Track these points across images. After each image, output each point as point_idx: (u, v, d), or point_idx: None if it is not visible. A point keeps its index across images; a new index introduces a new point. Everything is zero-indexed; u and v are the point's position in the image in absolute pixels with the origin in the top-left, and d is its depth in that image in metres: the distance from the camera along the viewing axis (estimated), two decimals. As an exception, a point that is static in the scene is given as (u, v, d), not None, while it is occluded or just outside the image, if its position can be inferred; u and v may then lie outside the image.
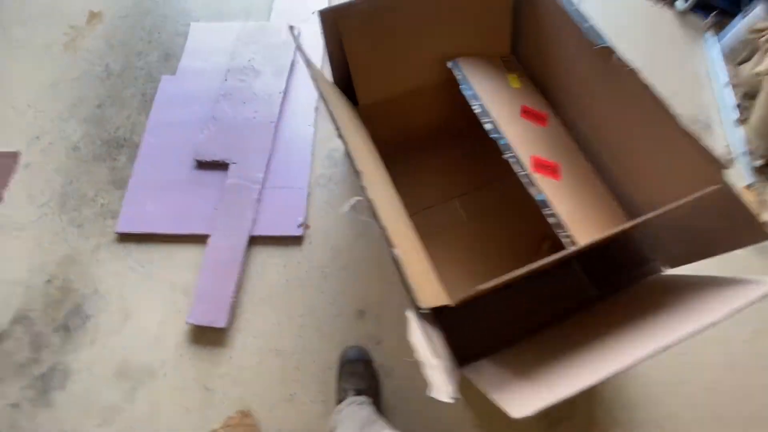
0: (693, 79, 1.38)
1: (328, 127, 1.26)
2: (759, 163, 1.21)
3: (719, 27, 1.41)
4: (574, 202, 0.79)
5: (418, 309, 0.56)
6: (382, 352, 1.02)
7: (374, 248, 1.12)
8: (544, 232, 1.09)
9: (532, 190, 0.77)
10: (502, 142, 0.81)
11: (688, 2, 1.43)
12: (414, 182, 1.11)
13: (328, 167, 1.23)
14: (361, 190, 0.63)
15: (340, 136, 0.70)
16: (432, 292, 0.64)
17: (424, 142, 1.12)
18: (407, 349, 0.99)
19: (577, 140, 0.87)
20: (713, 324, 0.50)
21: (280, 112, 1.27)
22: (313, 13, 1.43)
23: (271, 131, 1.23)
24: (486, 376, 0.71)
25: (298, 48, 0.78)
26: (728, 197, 0.61)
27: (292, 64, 1.34)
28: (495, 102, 0.87)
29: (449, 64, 0.91)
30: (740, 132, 1.26)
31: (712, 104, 1.33)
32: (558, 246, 0.71)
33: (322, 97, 0.73)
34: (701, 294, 0.63)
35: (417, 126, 1.09)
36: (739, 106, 1.29)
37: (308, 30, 1.42)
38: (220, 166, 1.19)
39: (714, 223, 0.66)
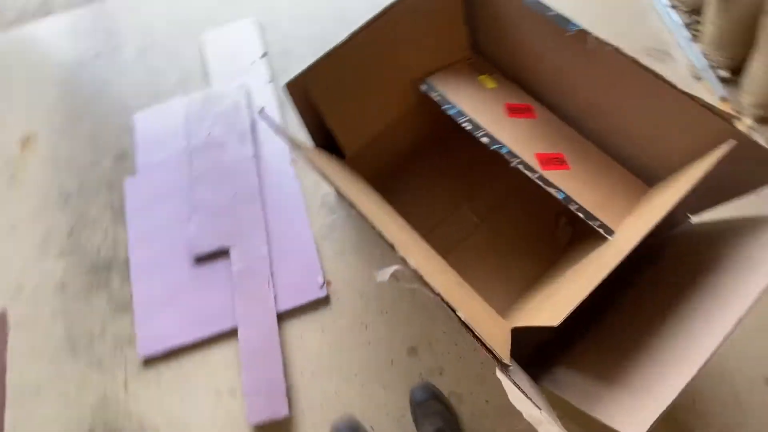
0: (639, 11, 1.39)
1: (311, 176, 1.22)
2: (724, 74, 1.25)
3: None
4: (592, 186, 0.78)
5: (505, 366, 0.54)
6: (448, 380, 1.01)
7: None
8: (556, 209, 1.10)
9: (550, 190, 0.76)
10: (504, 150, 0.80)
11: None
12: (418, 203, 1.10)
13: (326, 216, 1.19)
14: (399, 261, 0.60)
15: (352, 205, 0.67)
16: (502, 335, 0.63)
17: (415, 163, 1.10)
18: (471, 372, 0.99)
19: (570, 124, 0.87)
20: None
21: (259, 176, 1.21)
22: (269, 82, 1.36)
23: (258, 200, 1.18)
24: (569, 386, 0.70)
25: (278, 132, 0.73)
26: (746, 144, 0.62)
27: (253, 124, 1.28)
28: (479, 110, 0.85)
29: (423, 88, 0.88)
30: (697, 49, 1.28)
31: (662, 30, 1.36)
32: (574, 218, 0.72)
33: (323, 176, 0.69)
34: (747, 238, 0.63)
35: (405, 151, 1.06)
36: (688, 25, 1.31)
37: (254, 83, 1.36)
38: (221, 254, 1.13)
39: (736, 167, 0.67)
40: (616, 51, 0.67)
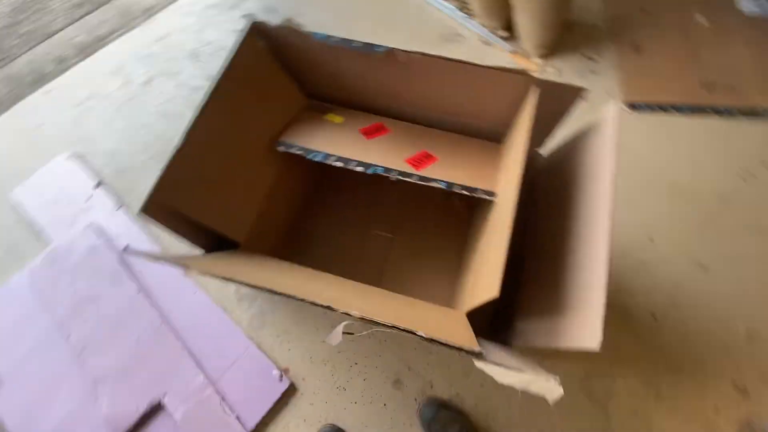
0: (417, 9, 1.62)
1: (210, 281, 1.13)
2: (503, 33, 1.52)
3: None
4: (461, 164, 0.88)
5: (478, 354, 0.57)
6: (440, 389, 1.02)
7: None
8: (446, 194, 1.21)
9: (432, 184, 0.84)
10: (380, 170, 0.85)
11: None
12: (331, 249, 1.11)
13: (248, 307, 1.11)
14: (342, 316, 0.60)
15: (269, 291, 0.64)
16: (462, 329, 0.66)
17: (311, 216, 1.10)
18: (456, 371, 1.02)
19: (418, 123, 0.96)
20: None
21: (157, 307, 1.08)
22: (118, 209, 1.21)
23: (168, 331, 1.05)
24: (531, 334, 0.77)
25: (155, 261, 0.66)
26: (546, 85, 0.76)
27: (121, 259, 1.14)
28: (341, 145, 0.90)
29: (280, 149, 0.89)
30: (476, 23, 1.55)
31: (444, 17, 1.60)
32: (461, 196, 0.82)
33: (224, 279, 0.65)
34: (582, 152, 0.78)
35: (296, 212, 1.06)
36: (460, 8, 1.58)
37: (100, 216, 1.21)
38: (154, 412, 0.97)
39: (549, 100, 0.82)
40: (422, 54, 0.77)
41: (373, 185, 1.19)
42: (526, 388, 0.53)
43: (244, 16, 0.85)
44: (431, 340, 0.57)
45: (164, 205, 0.70)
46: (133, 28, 1.59)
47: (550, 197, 0.87)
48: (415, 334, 0.57)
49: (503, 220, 0.68)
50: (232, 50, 0.81)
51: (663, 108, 1.37)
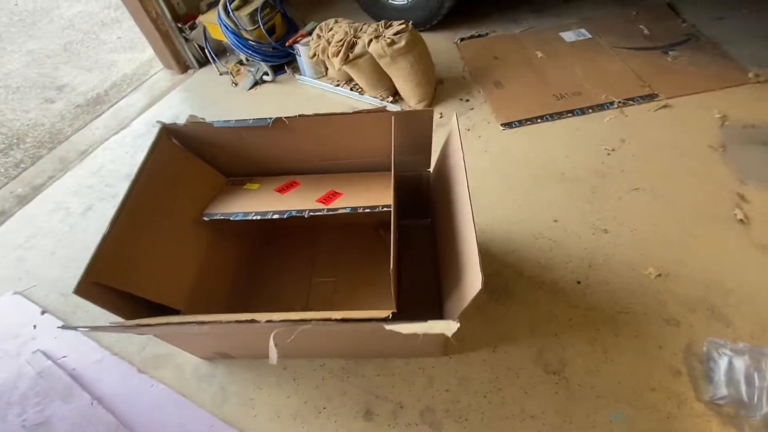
0: (320, 96, 1.92)
1: (167, 369, 1.14)
2: (390, 99, 1.83)
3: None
4: (362, 192, 1.04)
5: (386, 319, 0.66)
6: (412, 406, 1.03)
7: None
8: (373, 226, 1.35)
9: (340, 211, 0.98)
10: (294, 213, 0.98)
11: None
12: (277, 303, 1.17)
13: (207, 388, 1.11)
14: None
15: (206, 323, 0.71)
16: (377, 312, 0.75)
17: (248, 277, 1.19)
18: (417, 381, 1.05)
19: (321, 172, 1.14)
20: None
21: (113, 411, 1.05)
22: (60, 329, 1.23)
23: (127, 434, 1.02)
24: (455, 302, 0.86)
25: (104, 330, 0.72)
26: (402, 114, 0.97)
27: (73, 373, 1.13)
28: (259, 205, 1.04)
29: (205, 219, 1.01)
30: (369, 97, 1.86)
31: (343, 99, 1.90)
32: (385, 226, 0.95)
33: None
34: (446, 159, 0.97)
35: (230, 276, 1.14)
36: (352, 88, 1.90)
37: (48, 339, 1.21)
38: None
39: (411, 129, 1.02)
40: (300, 116, 0.97)
41: (309, 238, 1.32)
42: (427, 331, 0.62)
43: (156, 122, 1.03)
44: (344, 320, 0.66)
45: (97, 285, 0.78)
46: (68, 170, 1.76)
47: (439, 203, 1.04)
48: (330, 320, 0.65)
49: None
50: (149, 151, 0.97)
51: (532, 120, 1.66)
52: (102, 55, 2.49)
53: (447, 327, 0.62)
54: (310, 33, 1.88)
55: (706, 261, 1.20)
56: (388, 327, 0.65)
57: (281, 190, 1.09)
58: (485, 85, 1.83)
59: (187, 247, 1.00)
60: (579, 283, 1.20)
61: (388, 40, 1.56)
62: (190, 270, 0.99)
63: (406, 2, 2.07)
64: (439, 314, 0.96)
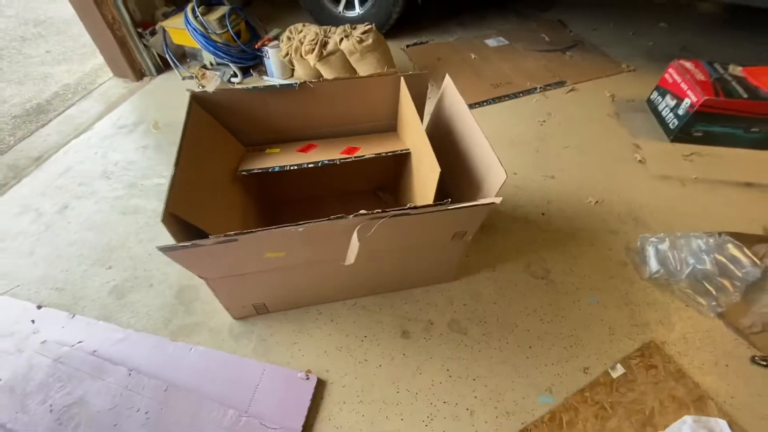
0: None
1: (203, 335, 1.16)
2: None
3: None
4: (377, 146, 1.23)
5: (448, 201, 0.85)
6: (440, 320, 1.21)
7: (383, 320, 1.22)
8: (371, 191, 1.53)
9: (366, 156, 1.15)
10: (327, 162, 1.13)
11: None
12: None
13: (247, 343, 1.16)
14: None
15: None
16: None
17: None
18: (441, 302, 1.23)
19: (336, 136, 1.30)
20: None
21: (156, 377, 1.04)
22: (72, 317, 1.14)
23: (179, 391, 1.01)
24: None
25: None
26: (410, 77, 1.19)
27: (98, 355, 1.08)
28: (287, 161, 1.16)
29: (243, 173, 1.11)
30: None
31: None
32: (383, 188, 1.14)
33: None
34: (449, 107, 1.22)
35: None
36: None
37: (52, 331, 1.14)
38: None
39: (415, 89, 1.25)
40: (322, 80, 1.14)
41: (312, 210, 1.44)
42: (487, 200, 0.83)
43: (186, 89, 1.10)
44: (421, 208, 0.83)
45: (173, 216, 0.84)
46: (25, 176, 1.63)
47: (439, 139, 1.27)
48: (408, 208, 0.82)
49: (424, 150, 1.02)
50: (186, 118, 1.03)
51: (479, 104, 2.02)
52: (32, 68, 2.32)
53: (495, 199, 0.83)
54: (276, 37, 2.04)
55: (624, 189, 1.60)
56: (451, 207, 0.84)
57: (303, 150, 1.23)
58: (436, 80, 2.16)
59: (230, 194, 1.07)
60: (543, 214, 1.52)
61: (358, 38, 1.80)
62: (237, 215, 1.06)
63: (357, 14, 2.35)
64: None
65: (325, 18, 2.41)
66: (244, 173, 1.11)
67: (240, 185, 1.17)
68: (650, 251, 1.36)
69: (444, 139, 1.21)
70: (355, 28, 1.87)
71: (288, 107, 1.20)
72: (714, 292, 1.26)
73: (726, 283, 1.26)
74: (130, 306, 1.23)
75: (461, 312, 1.24)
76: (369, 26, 1.84)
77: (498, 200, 0.85)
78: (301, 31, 1.90)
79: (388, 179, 1.50)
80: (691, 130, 1.76)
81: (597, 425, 1.02)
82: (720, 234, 1.37)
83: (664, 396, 1.07)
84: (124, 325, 1.18)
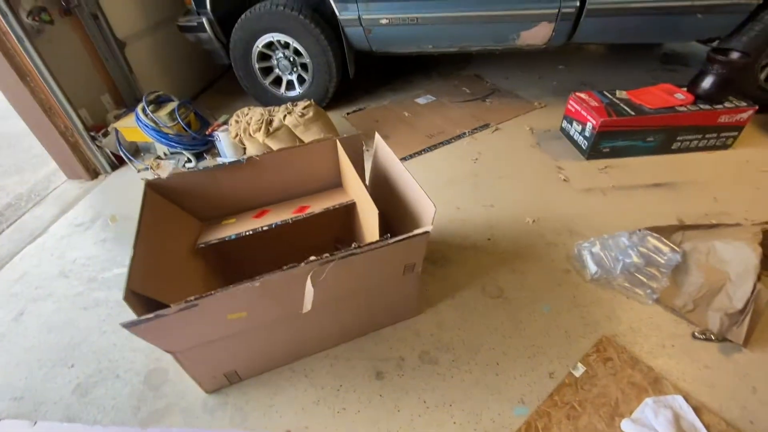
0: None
1: (175, 415, 1.13)
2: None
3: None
4: (326, 202, 1.35)
5: (388, 236, 0.96)
6: (411, 356, 1.25)
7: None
8: (331, 243, 1.62)
9: (316, 211, 1.26)
10: (279, 222, 1.23)
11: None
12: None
13: (222, 415, 1.14)
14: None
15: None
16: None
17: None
18: (409, 336, 1.29)
19: (286, 200, 1.42)
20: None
21: None
22: (34, 424, 1.08)
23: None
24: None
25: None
26: (344, 139, 1.36)
27: (61, 460, 1.03)
28: (242, 228, 1.25)
29: (201, 246, 1.17)
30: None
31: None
32: (342, 240, 1.27)
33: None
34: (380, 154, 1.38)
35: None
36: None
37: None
38: None
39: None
40: (267, 153, 1.28)
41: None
42: (418, 233, 0.94)
43: (141, 179, 1.19)
44: (371, 245, 0.93)
45: (134, 294, 0.89)
46: (-25, 290, 1.60)
47: (380, 189, 1.41)
48: (359, 246, 0.92)
49: (364, 198, 1.15)
50: (141, 205, 1.11)
51: (418, 153, 2.23)
52: (-21, 184, 2.34)
53: (426, 228, 0.95)
54: (225, 122, 2.21)
55: (556, 206, 1.80)
56: (392, 241, 0.95)
57: (257, 216, 1.33)
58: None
59: (191, 271, 1.13)
60: (489, 239, 1.66)
61: (300, 113, 2.00)
62: (199, 288, 1.11)
63: (297, 93, 2.61)
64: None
65: (269, 100, 2.65)
66: (203, 246, 1.18)
67: (200, 259, 1.23)
68: (587, 255, 1.51)
69: (383, 187, 1.36)
70: (296, 105, 2.08)
71: (239, 181, 1.31)
72: (646, 281, 1.40)
73: (654, 271, 1.41)
74: (96, 401, 1.19)
75: (429, 342, 1.29)
76: (308, 102, 2.06)
77: (429, 228, 0.97)
78: (247, 114, 2.09)
79: (344, 230, 1.61)
80: (599, 147, 2.03)
81: (570, 426, 1.07)
82: (640, 230, 1.56)
83: (624, 384, 1.15)
84: (90, 422, 1.13)
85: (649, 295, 1.38)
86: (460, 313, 1.38)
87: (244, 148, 2.24)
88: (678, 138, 2.01)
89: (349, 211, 1.38)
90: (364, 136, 2.42)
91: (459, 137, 2.35)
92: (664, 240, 1.50)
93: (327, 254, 0.91)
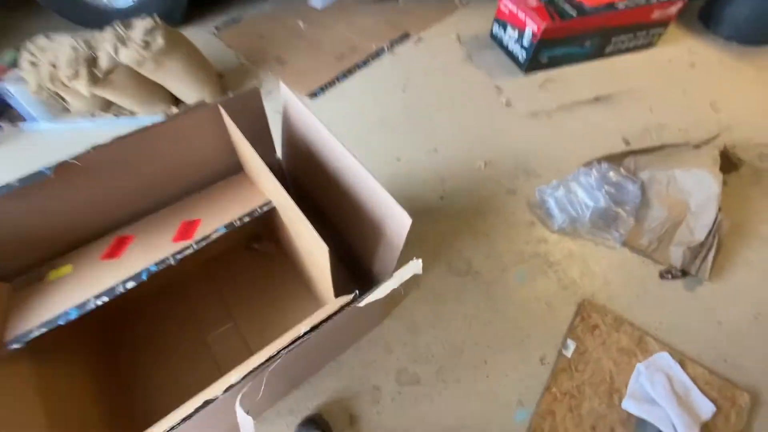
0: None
1: None
2: (175, 109, 1.55)
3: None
4: (224, 207, 0.87)
5: (355, 298, 0.59)
6: (385, 382, 1.00)
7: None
8: (244, 246, 1.17)
9: (213, 237, 0.79)
10: (153, 269, 0.74)
11: None
12: (179, 386, 0.91)
13: None
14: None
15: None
16: (330, 306, 0.67)
17: (127, 375, 0.86)
18: (381, 362, 1.02)
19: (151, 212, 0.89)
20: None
21: None
22: None
23: None
24: (381, 274, 0.85)
25: None
26: (229, 100, 0.83)
27: None
28: (91, 285, 0.74)
29: (14, 347, 0.66)
30: (144, 115, 1.52)
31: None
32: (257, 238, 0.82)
33: None
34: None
35: (99, 384, 0.80)
36: (118, 114, 1.51)
37: None
38: None
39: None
40: (95, 148, 0.71)
41: (175, 298, 1.05)
42: (401, 281, 0.59)
43: None
44: (316, 326, 0.56)
45: None
46: None
47: (308, 173, 0.97)
48: (300, 337, 0.54)
49: (292, 209, 0.71)
50: None
51: (331, 83, 1.70)
52: None
53: (415, 266, 0.60)
54: (14, 64, 1.36)
55: (504, 140, 1.53)
56: (363, 303, 0.58)
57: (110, 255, 0.80)
58: (270, 66, 1.76)
59: (7, 391, 0.63)
60: (442, 198, 1.37)
61: (141, 42, 1.28)
62: (34, 411, 0.63)
63: (132, 3, 1.72)
64: (367, 275, 0.93)
65: (82, 15, 1.72)
66: (17, 346, 0.66)
67: (24, 362, 0.71)
68: (551, 203, 1.33)
69: (313, 170, 0.92)
70: (131, 27, 1.33)
71: (61, 201, 0.75)
72: (613, 223, 1.29)
73: (620, 211, 1.30)
74: None
75: (404, 356, 1.05)
76: (149, 21, 1.32)
77: (419, 264, 0.61)
78: (46, 49, 1.28)
79: (260, 226, 1.16)
80: (538, 59, 1.75)
81: (575, 417, 0.97)
82: (599, 161, 1.40)
83: (613, 352, 1.07)
84: None
85: (617, 238, 1.27)
86: (431, 306, 1.13)
87: (63, 101, 1.46)
88: (612, 39, 1.82)
89: (266, 214, 0.92)
90: (254, 66, 1.77)
91: (377, 55, 1.84)
92: (622, 171, 1.38)
93: (253, 364, 0.52)
